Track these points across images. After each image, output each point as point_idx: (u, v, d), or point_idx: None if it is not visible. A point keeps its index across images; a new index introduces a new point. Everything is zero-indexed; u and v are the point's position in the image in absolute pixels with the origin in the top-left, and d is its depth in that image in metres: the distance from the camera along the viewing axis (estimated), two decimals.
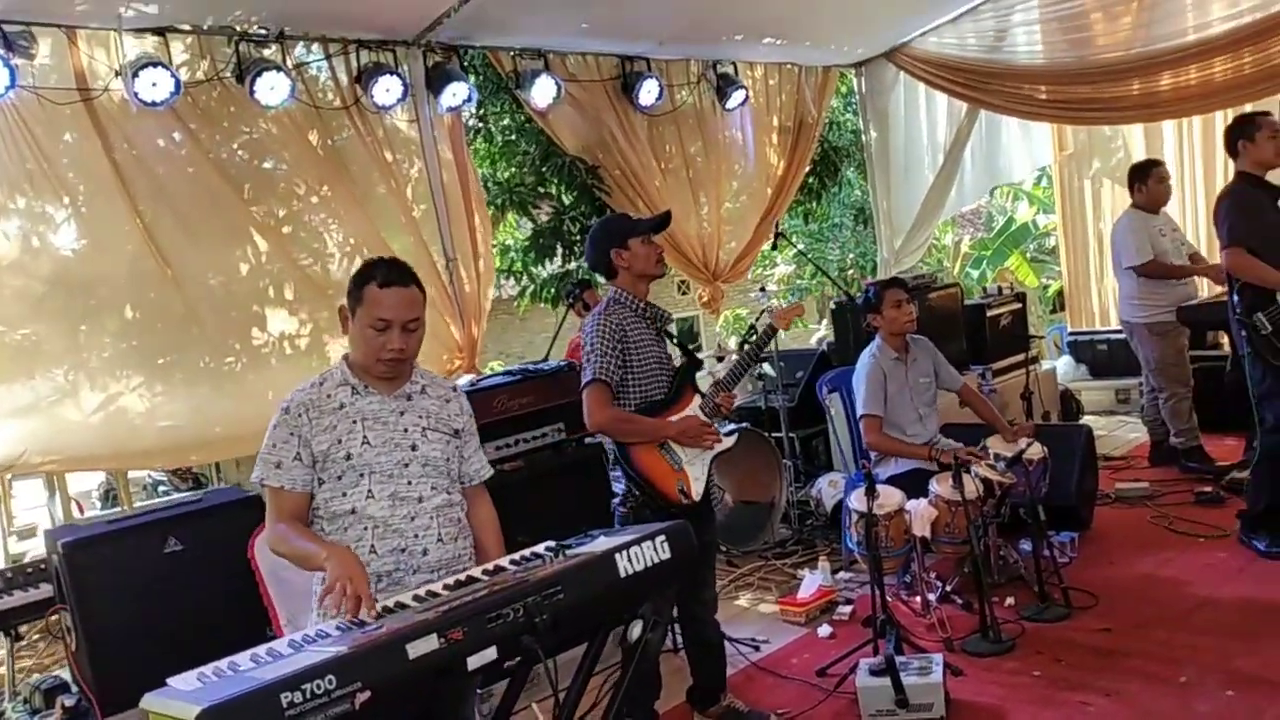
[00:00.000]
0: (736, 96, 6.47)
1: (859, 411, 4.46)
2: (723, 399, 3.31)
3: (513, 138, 7.18)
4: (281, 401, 2.37)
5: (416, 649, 1.72)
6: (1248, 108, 5.42)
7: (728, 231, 6.89)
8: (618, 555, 2.12)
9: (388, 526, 2.32)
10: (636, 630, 2.15)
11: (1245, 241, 4.16)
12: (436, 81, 5.04)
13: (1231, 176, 4.54)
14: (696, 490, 3.18)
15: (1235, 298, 4.21)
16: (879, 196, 7.79)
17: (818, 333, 12.52)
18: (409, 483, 2.35)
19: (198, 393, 4.40)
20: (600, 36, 5.72)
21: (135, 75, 3.99)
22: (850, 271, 13.35)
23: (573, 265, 6.89)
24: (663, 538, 2.22)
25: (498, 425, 3.98)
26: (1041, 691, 3.32)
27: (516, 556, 2.29)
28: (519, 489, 3.80)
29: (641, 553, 2.16)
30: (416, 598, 2.07)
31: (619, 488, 3.35)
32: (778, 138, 7.07)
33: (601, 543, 2.23)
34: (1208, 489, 5.13)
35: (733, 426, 5.35)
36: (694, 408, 3.27)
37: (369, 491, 2.32)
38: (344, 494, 2.31)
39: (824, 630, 4.08)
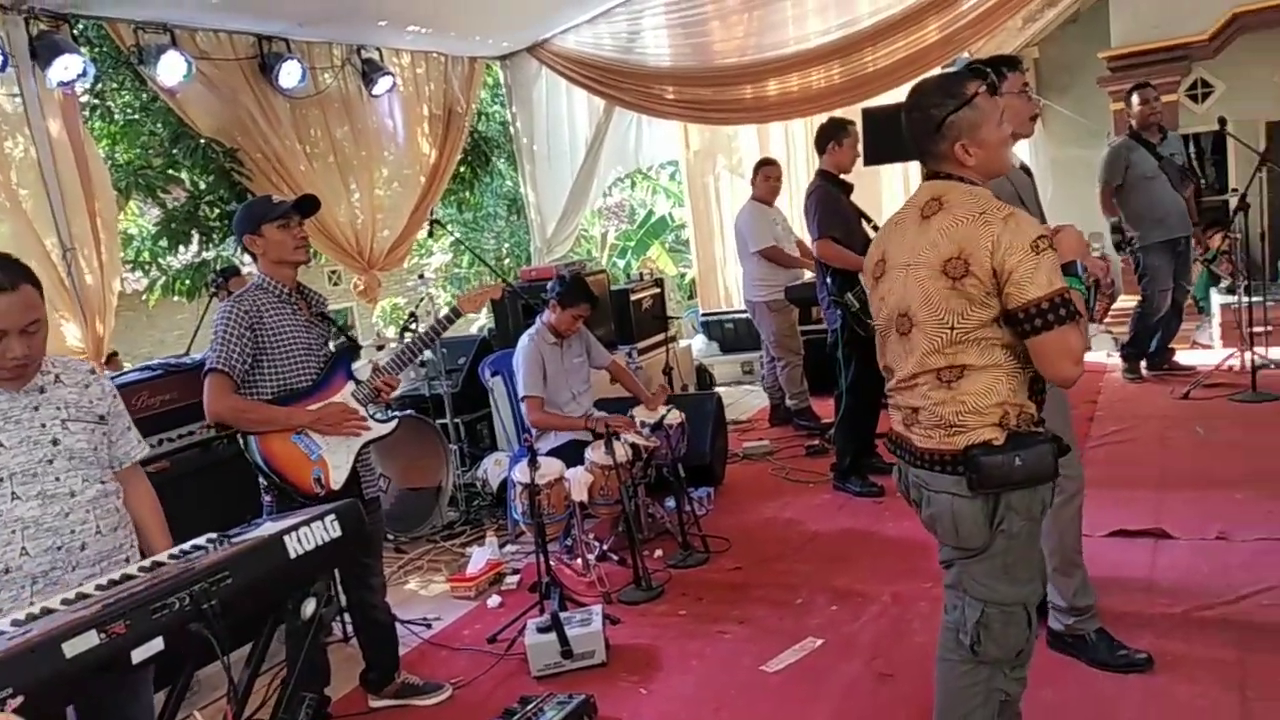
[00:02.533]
0: (383, 83, 6.43)
1: (520, 392, 4.68)
2: (383, 383, 3.28)
3: (136, 117, 6.61)
4: None
5: (74, 647, 1.66)
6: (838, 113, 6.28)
7: (381, 219, 6.82)
8: (287, 537, 2.15)
9: (40, 526, 2.18)
10: (310, 607, 2.19)
11: (832, 232, 4.88)
12: (44, 53, 4.54)
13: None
14: (336, 479, 3.12)
15: (828, 281, 4.93)
16: (528, 186, 8.08)
17: (478, 320, 12.66)
18: (56, 479, 2.21)
19: None
20: (234, 13, 5.43)
21: None
22: (506, 260, 13.62)
23: (210, 254, 6.49)
24: (332, 517, 2.27)
25: (139, 424, 3.70)
26: (687, 627, 3.74)
27: (175, 550, 2.23)
28: (165, 491, 3.56)
29: (311, 533, 2.20)
30: (65, 601, 1.96)
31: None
32: (429, 126, 7.10)
33: (268, 527, 2.24)
34: (815, 442, 5.95)
35: (396, 414, 5.37)
36: (344, 395, 3.21)
37: (12, 494, 2.16)
38: None
39: (494, 601, 4.26)
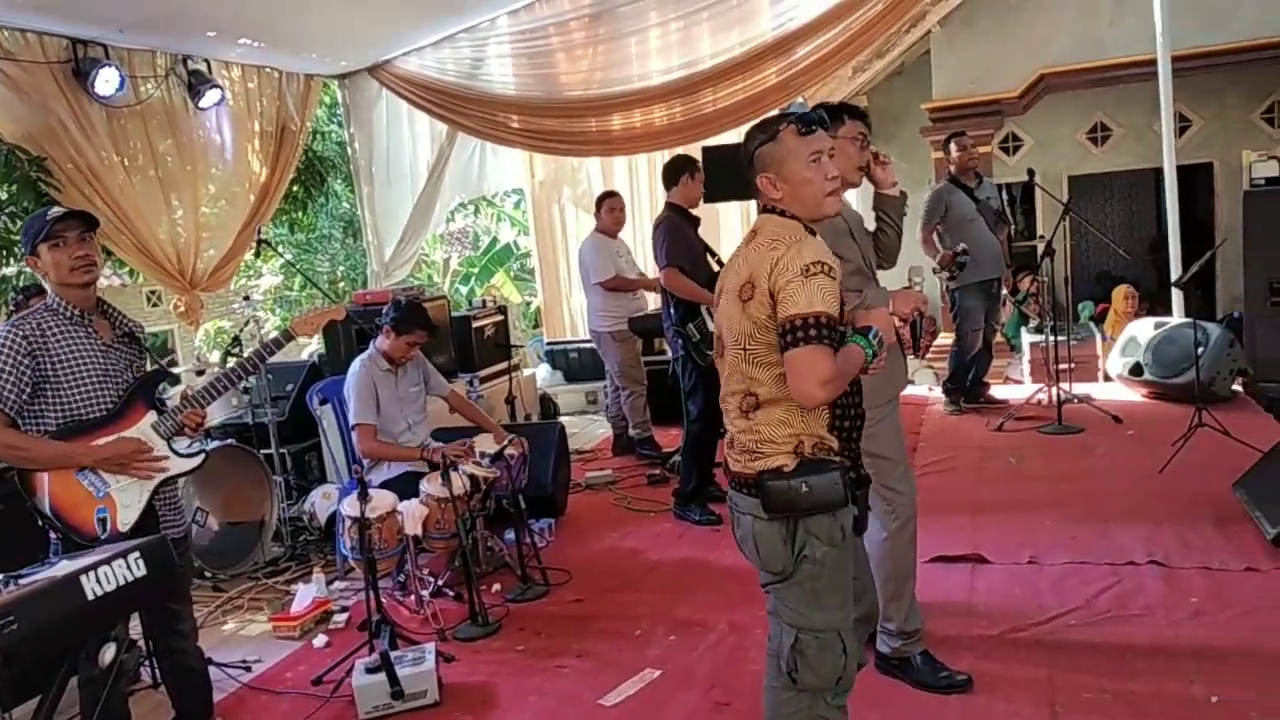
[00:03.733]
0: (211, 95, 6.13)
1: (351, 421, 4.49)
2: (188, 417, 2.99)
3: None
4: None
5: None
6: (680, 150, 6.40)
7: (207, 238, 6.48)
8: (84, 577, 1.97)
9: None
10: (109, 654, 2.00)
11: (679, 262, 4.95)
12: None
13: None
14: (124, 520, 2.82)
15: (671, 311, 4.99)
16: (366, 209, 7.87)
17: (308, 345, 12.16)
18: None
19: None
20: (45, 13, 5.08)
21: None
22: (341, 284, 13.21)
23: (11, 269, 5.98)
24: (136, 554, 2.10)
25: None
26: (524, 663, 3.65)
27: None
28: None
29: (112, 572, 2.03)
30: None
31: None
32: (260, 143, 6.82)
33: (63, 566, 2.05)
34: (657, 471, 5.99)
35: (215, 444, 5.06)
36: (142, 426, 2.92)
37: None
38: None
39: (320, 641, 4.04)
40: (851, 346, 2.16)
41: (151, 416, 2.95)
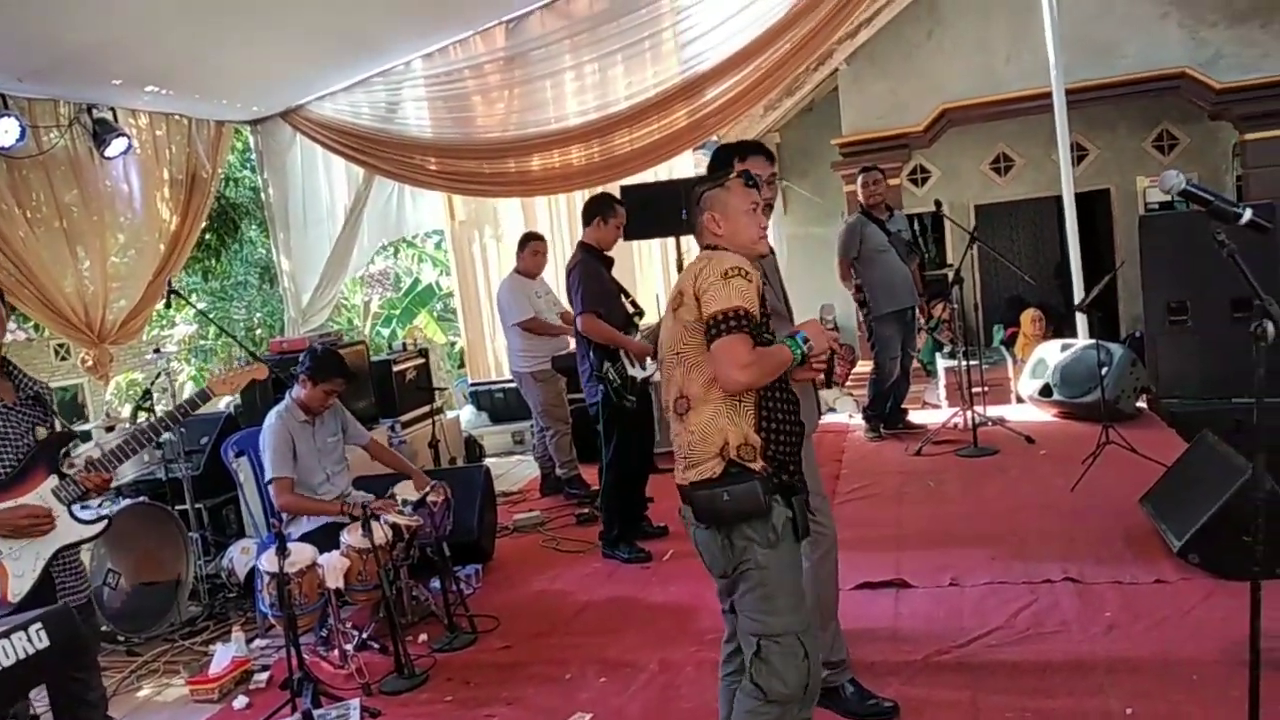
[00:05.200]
0: (118, 144, 5.99)
1: (268, 474, 4.39)
2: (90, 480, 2.90)
3: None
4: None
5: None
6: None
7: (116, 289, 6.30)
8: None
9: None
10: None
11: (595, 307, 4.96)
12: None
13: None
14: (15, 589, 2.71)
15: (589, 355, 5.01)
16: (281, 255, 7.74)
17: (226, 396, 11.84)
18: None
19: None
20: None
21: None
22: (258, 331, 12.92)
23: None
24: (38, 625, 2.02)
25: None
26: (453, 713, 3.59)
27: None
28: None
29: (11, 646, 1.95)
30: None
31: None
32: (169, 191, 6.67)
33: None
34: (585, 510, 5.96)
35: (127, 502, 4.90)
36: (41, 492, 2.82)
37: None
38: None
39: (240, 702, 3.91)
40: (778, 345, 2.42)
41: (52, 481, 2.85)
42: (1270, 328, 2.27)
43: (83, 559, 2.98)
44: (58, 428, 2.99)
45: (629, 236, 6.61)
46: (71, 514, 2.86)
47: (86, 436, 5.40)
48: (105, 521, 2.95)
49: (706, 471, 2.37)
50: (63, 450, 2.96)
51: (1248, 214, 2.46)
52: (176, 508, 5.13)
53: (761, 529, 2.35)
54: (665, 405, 2.55)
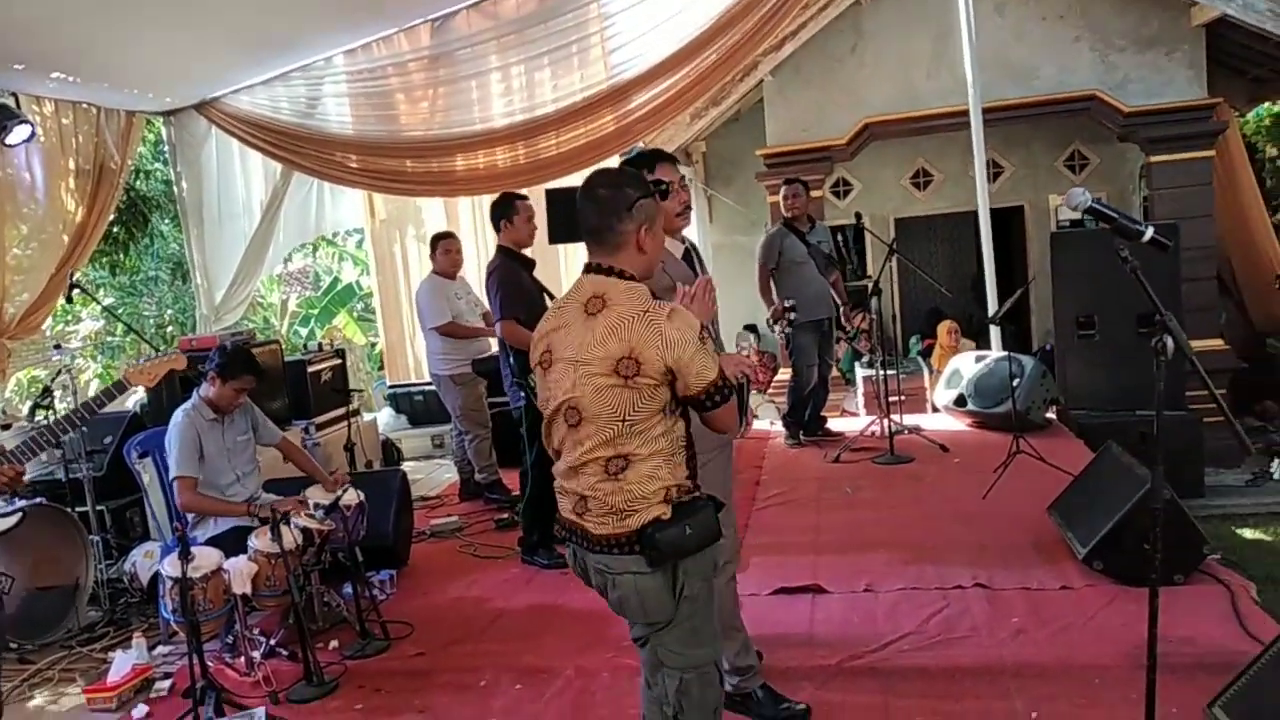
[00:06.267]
0: (20, 132, 5.71)
1: (171, 473, 4.24)
2: (4, 472, 2.85)
3: None
4: None
5: None
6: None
7: (17, 282, 6.03)
8: None
9: None
10: None
11: (515, 313, 4.91)
12: None
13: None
14: None
15: (511, 360, 4.95)
16: (194, 250, 7.50)
17: (133, 395, 11.42)
18: None
19: None
20: None
21: None
22: (169, 328, 12.49)
23: None
24: None
25: None
26: None
27: None
28: None
29: None
30: None
31: None
32: (75, 181, 6.40)
33: None
34: (505, 516, 5.88)
35: (22, 503, 4.68)
36: None
37: None
38: None
39: (140, 711, 3.76)
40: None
41: None
42: (1170, 343, 2.36)
43: None
44: None
45: (554, 240, 6.59)
46: None
47: None
48: (20, 515, 2.81)
49: (653, 514, 2.22)
50: None
51: (1149, 232, 2.56)
52: (77, 509, 4.92)
53: (704, 562, 2.27)
54: (573, 463, 2.31)
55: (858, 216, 6.91)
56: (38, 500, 4.80)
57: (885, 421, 6.56)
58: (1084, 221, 9.50)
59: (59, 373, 5.17)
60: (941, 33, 8.06)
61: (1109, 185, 9.77)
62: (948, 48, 7.97)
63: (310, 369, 6.53)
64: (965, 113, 7.41)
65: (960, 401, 7.11)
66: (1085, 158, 10.05)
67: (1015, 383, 6.30)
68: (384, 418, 8.39)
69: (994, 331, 7.51)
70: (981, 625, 3.73)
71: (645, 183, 2.39)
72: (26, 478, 4.88)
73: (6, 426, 5.29)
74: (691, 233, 8.68)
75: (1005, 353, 6.60)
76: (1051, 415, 6.89)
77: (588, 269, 2.36)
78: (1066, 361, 6.88)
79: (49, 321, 6.73)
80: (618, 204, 2.28)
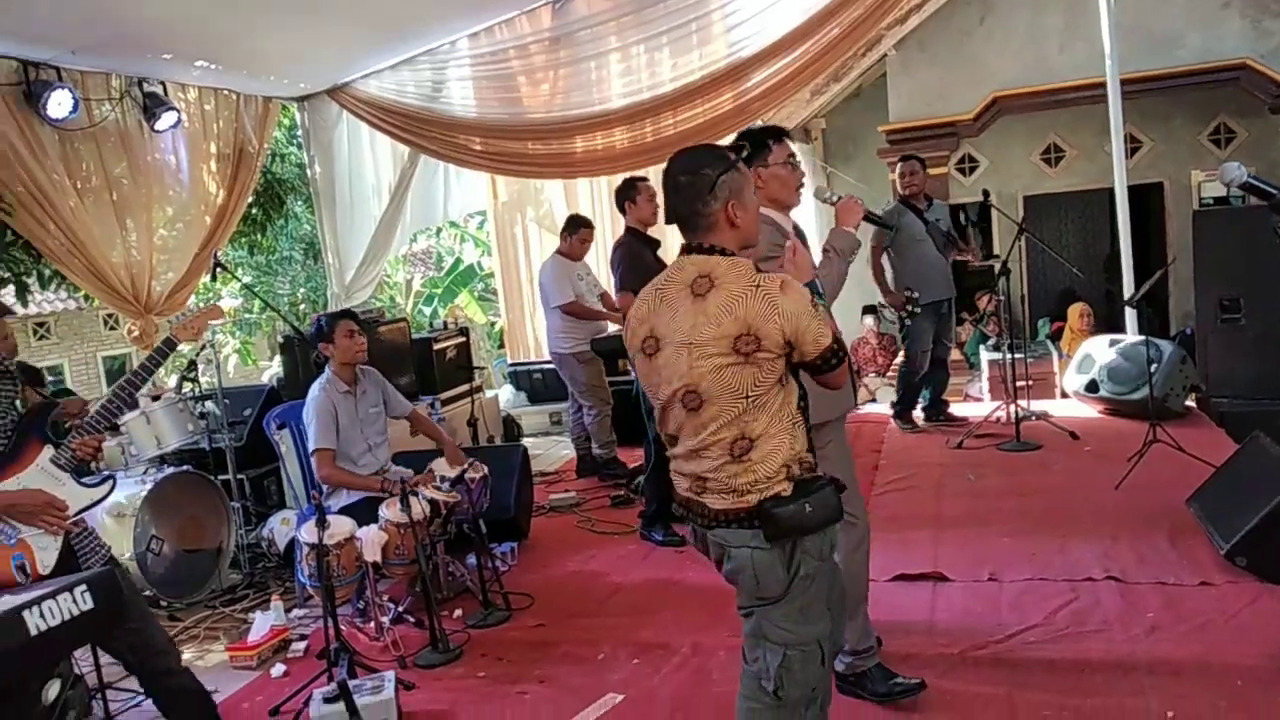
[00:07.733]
0: (167, 118, 6.07)
1: (310, 446, 4.44)
2: (81, 446, 2.86)
3: None
4: None
5: None
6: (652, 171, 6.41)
7: (163, 261, 6.40)
8: (27, 612, 1.93)
9: None
10: (53, 691, 1.96)
11: (634, 286, 4.95)
12: None
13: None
14: (44, 561, 2.70)
15: None
16: (326, 231, 7.81)
17: (270, 369, 12.01)
18: None
19: None
20: None
21: None
22: (302, 306, 13.08)
23: None
24: (83, 588, 2.06)
25: None
26: (486, 689, 3.61)
27: None
28: None
29: (57, 606, 1.98)
30: None
31: None
32: (216, 165, 6.74)
33: (6, 601, 2.00)
34: (621, 492, 5.96)
35: (170, 470, 4.98)
36: (41, 463, 2.80)
37: None
38: None
39: (278, 670, 3.98)
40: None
41: (49, 451, 2.86)
42: None
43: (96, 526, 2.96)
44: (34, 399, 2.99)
45: (669, 220, 6.57)
46: (77, 480, 2.89)
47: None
48: (111, 482, 2.96)
49: (774, 490, 2.21)
50: (49, 418, 2.95)
51: None
52: (219, 478, 5.21)
53: (821, 542, 2.26)
54: (697, 446, 2.29)
55: (985, 194, 6.68)
56: (185, 468, 5.12)
57: (1012, 407, 6.35)
58: (1230, 199, 8.96)
59: (203, 348, 5.46)
60: (1075, 2, 7.68)
61: (1258, 161, 9.14)
62: (1083, 18, 7.59)
63: (436, 346, 6.73)
64: (1101, 85, 7.05)
65: (1092, 387, 6.82)
66: (1232, 131, 9.46)
67: (1153, 368, 6.00)
68: (504, 394, 8.58)
69: (1129, 314, 7.16)
70: (1113, 619, 3.59)
71: (724, 155, 2.33)
72: (173, 446, 5.22)
73: (156, 397, 5.62)
74: (809, 210, 8.58)
75: (1143, 337, 6.29)
76: (1191, 403, 6.54)
77: (685, 249, 2.36)
78: (1209, 346, 6.51)
79: (192, 299, 7.10)
80: (700, 188, 2.27)
